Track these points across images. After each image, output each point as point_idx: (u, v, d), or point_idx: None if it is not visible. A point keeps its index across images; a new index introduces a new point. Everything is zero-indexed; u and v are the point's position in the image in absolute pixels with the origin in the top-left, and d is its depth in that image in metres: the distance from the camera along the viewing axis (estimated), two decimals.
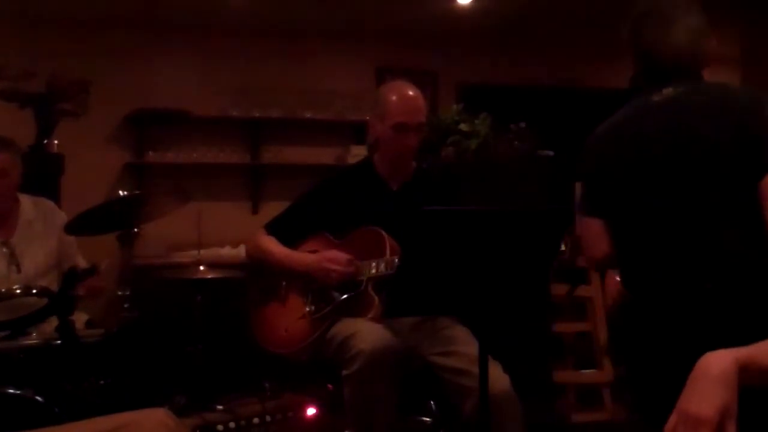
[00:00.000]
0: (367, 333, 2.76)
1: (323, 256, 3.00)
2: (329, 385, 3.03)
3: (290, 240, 3.14)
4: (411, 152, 3.10)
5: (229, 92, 6.31)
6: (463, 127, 5.22)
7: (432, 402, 3.05)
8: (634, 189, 2.35)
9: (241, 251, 5.80)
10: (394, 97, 3.05)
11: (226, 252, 5.89)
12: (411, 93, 3.07)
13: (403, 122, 3.02)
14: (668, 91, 2.33)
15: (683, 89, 2.32)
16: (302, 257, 3.07)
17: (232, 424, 3.34)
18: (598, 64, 7.19)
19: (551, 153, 5.31)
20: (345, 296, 2.96)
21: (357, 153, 6.39)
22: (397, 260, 2.88)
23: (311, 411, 3.40)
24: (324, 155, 6.52)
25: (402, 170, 3.17)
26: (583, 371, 5.31)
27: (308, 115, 6.43)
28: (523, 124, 5.26)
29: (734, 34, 5.88)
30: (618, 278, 3.32)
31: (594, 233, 2.52)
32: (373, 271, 2.94)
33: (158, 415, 1.88)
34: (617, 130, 2.44)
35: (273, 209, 6.08)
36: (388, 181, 3.17)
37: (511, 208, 2.73)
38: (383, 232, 2.98)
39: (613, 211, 2.44)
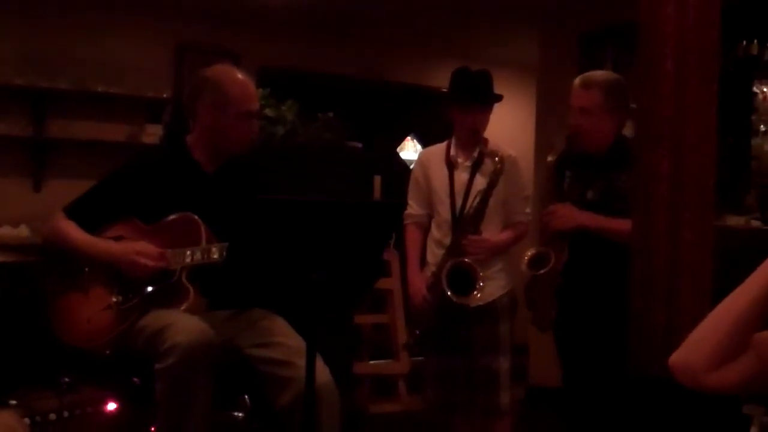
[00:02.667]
0: (182, 325, 2.63)
1: (132, 248, 2.81)
2: (135, 379, 2.86)
3: (93, 225, 2.90)
4: (253, 140, 3.03)
5: (13, 59, 5.81)
6: (268, 112, 5.14)
7: (246, 396, 2.96)
8: None
9: (21, 231, 5.42)
10: (234, 86, 2.94)
11: (5, 232, 5.45)
12: (246, 78, 3.00)
13: (249, 111, 2.96)
14: None
15: None
16: (108, 246, 2.86)
17: (26, 420, 3.08)
18: (404, 59, 7.32)
19: (359, 145, 5.35)
20: (157, 285, 2.80)
21: (152, 132, 6.13)
22: (214, 249, 2.77)
23: (112, 406, 3.22)
24: (116, 132, 6.15)
25: (221, 155, 3.03)
26: (380, 362, 5.40)
27: (100, 88, 6.05)
28: (331, 114, 5.26)
29: (531, 41, 6.15)
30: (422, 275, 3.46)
31: None
32: (188, 260, 2.80)
33: (5, 418, 1.74)
34: None
35: (58, 187, 5.84)
36: (202, 165, 3.02)
37: (350, 199, 2.73)
38: (199, 220, 2.85)
39: None
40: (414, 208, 3.59)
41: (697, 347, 1.50)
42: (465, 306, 3.31)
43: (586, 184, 3.23)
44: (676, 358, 1.53)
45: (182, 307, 2.76)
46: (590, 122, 3.17)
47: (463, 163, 3.45)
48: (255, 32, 6.59)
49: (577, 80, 3.26)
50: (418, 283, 3.50)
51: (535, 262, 3.21)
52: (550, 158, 3.29)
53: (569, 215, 3.16)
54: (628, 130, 3.32)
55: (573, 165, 3.30)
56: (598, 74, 3.30)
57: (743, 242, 4.05)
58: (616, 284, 2.89)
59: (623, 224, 3.00)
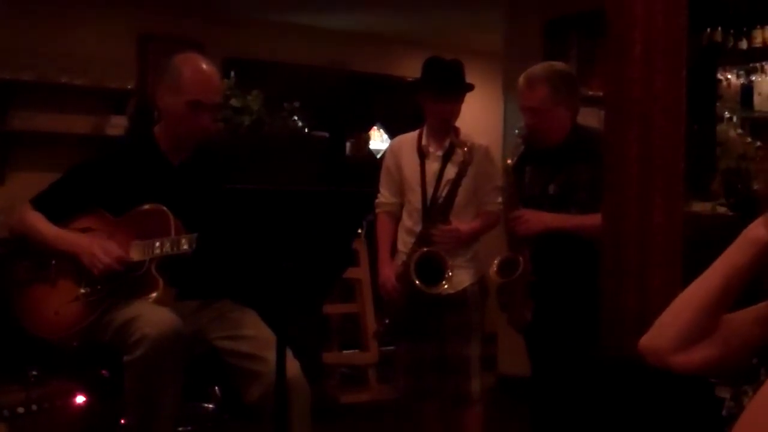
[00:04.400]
0: (151, 316, 2.61)
1: (96, 242, 2.77)
2: (103, 371, 2.83)
3: (60, 216, 2.86)
4: (204, 133, 2.91)
5: None
6: (234, 102, 5.12)
7: (217, 388, 2.94)
8: None
9: None
10: (189, 72, 2.84)
11: None
12: (209, 69, 2.89)
13: (199, 101, 2.83)
14: None
15: None
16: (74, 239, 2.82)
17: None
18: (370, 49, 7.30)
19: (326, 134, 5.34)
20: (125, 277, 2.76)
21: (116, 123, 6.06)
22: (184, 240, 2.74)
23: (81, 399, 3.19)
24: (80, 124, 6.07)
25: (186, 146, 2.99)
26: (350, 352, 5.40)
27: (63, 80, 5.96)
28: (297, 104, 5.24)
29: (497, 29, 6.16)
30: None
31: None
32: (158, 251, 2.77)
33: None
34: None
35: (23, 180, 5.75)
36: (170, 156, 2.98)
37: (318, 188, 2.70)
38: (167, 211, 2.81)
39: None
40: (385, 196, 3.58)
41: (665, 330, 1.54)
42: (436, 294, 3.31)
43: (546, 178, 3.25)
44: (645, 340, 1.57)
45: (151, 298, 2.73)
46: (542, 119, 3.19)
47: (435, 152, 3.45)
48: (220, 22, 6.54)
49: (520, 80, 3.26)
50: (388, 271, 3.50)
51: (504, 267, 3.24)
52: (509, 161, 3.28)
53: (534, 219, 3.18)
54: (591, 119, 3.34)
55: (532, 161, 3.31)
56: (539, 69, 3.28)
57: (709, 228, 4.09)
58: (586, 277, 2.91)
59: (587, 219, 3.06)
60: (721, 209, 4.59)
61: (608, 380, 2.65)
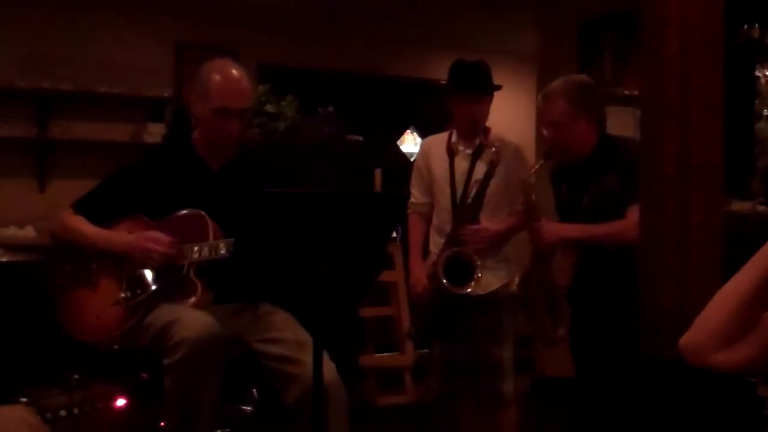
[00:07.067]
0: (190, 320, 2.63)
1: (144, 236, 2.82)
2: (143, 375, 2.86)
3: (101, 220, 2.90)
4: (232, 139, 2.93)
5: (16, 61, 5.82)
6: (269, 108, 5.16)
7: (254, 390, 2.96)
8: None
9: (28, 232, 5.44)
10: (217, 78, 2.86)
11: (12, 233, 5.46)
12: (236, 75, 2.90)
13: (225, 107, 2.85)
14: None
15: None
16: (120, 236, 2.86)
17: (39, 418, 3.07)
18: (403, 53, 7.32)
19: (360, 138, 5.36)
20: (164, 281, 2.80)
21: (154, 131, 6.15)
22: (222, 245, 2.77)
23: (121, 402, 3.23)
24: (118, 132, 6.17)
25: (223, 151, 3.02)
26: (385, 355, 5.40)
27: (102, 89, 6.06)
28: (330, 109, 5.27)
29: (530, 30, 6.14)
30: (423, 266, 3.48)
31: None
32: (196, 255, 2.80)
33: (20, 413, 1.76)
34: None
35: (62, 188, 5.84)
36: (208, 161, 3.01)
37: (352, 191, 2.72)
38: (206, 216, 2.84)
39: None
40: (417, 197, 3.59)
41: (704, 328, 1.52)
42: (464, 295, 3.31)
43: (580, 192, 3.24)
44: (684, 339, 1.55)
45: (190, 303, 2.76)
46: (562, 133, 3.19)
47: (464, 150, 3.44)
48: (254, 29, 6.59)
49: (539, 97, 3.28)
50: (419, 272, 3.51)
51: (525, 280, 3.27)
52: (525, 178, 3.22)
53: (550, 231, 3.19)
54: (627, 118, 3.32)
55: (566, 175, 3.32)
56: (557, 83, 3.27)
57: (749, 227, 4.05)
58: (622, 283, 2.91)
59: (607, 228, 3.08)
60: (761, 208, 4.54)
61: (649, 381, 2.63)
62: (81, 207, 2.94)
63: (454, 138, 3.50)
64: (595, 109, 3.23)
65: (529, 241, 3.26)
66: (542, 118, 3.26)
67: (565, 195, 3.34)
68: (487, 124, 3.48)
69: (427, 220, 3.61)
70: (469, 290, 3.29)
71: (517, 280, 3.29)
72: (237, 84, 2.90)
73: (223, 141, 2.94)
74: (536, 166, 3.28)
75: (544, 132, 3.28)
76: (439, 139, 3.57)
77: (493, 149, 3.30)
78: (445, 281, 3.30)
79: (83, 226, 2.88)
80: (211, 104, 2.85)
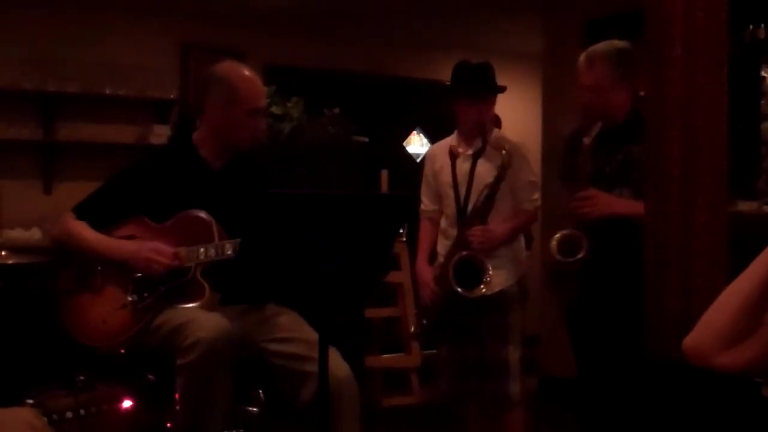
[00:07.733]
0: (203, 320, 2.65)
1: (145, 246, 2.82)
2: (150, 376, 2.87)
3: (103, 224, 2.90)
4: (259, 138, 3.08)
5: (21, 63, 5.83)
6: (275, 109, 5.17)
7: (261, 391, 2.96)
8: None
9: (34, 234, 5.45)
10: (244, 83, 2.95)
11: (18, 234, 5.47)
12: (254, 75, 3.03)
13: (257, 107, 2.98)
14: None
15: None
16: (121, 245, 2.86)
17: (44, 420, 3.08)
18: (408, 54, 7.32)
19: (366, 139, 5.36)
20: (171, 283, 2.80)
21: (160, 132, 6.15)
22: (228, 245, 2.78)
23: (127, 403, 3.24)
24: (124, 134, 6.19)
25: (228, 152, 3.03)
26: (391, 355, 5.40)
27: (108, 90, 6.07)
28: (336, 110, 5.27)
29: (535, 30, 6.14)
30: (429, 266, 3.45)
31: None
32: (202, 256, 2.81)
33: (24, 415, 1.76)
34: None
35: (68, 190, 5.85)
36: (210, 162, 3.02)
37: (358, 192, 2.72)
38: (210, 217, 2.85)
39: None
40: (426, 204, 3.63)
41: (707, 328, 1.51)
42: (475, 297, 3.31)
43: (604, 158, 3.12)
44: (688, 340, 1.54)
45: (197, 304, 2.77)
46: (601, 98, 3.09)
47: (465, 152, 3.45)
48: (260, 30, 6.59)
49: (581, 57, 3.15)
50: (426, 275, 3.52)
51: (566, 245, 3.07)
52: (585, 140, 3.06)
53: (603, 202, 3.01)
54: None
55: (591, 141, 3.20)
56: (600, 46, 3.16)
57: (755, 228, 4.04)
58: (636, 265, 2.82)
59: None
60: (767, 208, 4.52)
61: (653, 381, 2.62)
62: (82, 211, 2.93)
63: (454, 141, 3.51)
64: (635, 77, 3.12)
65: (572, 209, 3.06)
66: (582, 80, 3.14)
67: (586, 161, 3.12)
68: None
69: (437, 225, 3.63)
70: (481, 293, 3.29)
71: (555, 243, 3.06)
72: (259, 83, 3.03)
73: (250, 141, 3.01)
74: (595, 129, 3.06)
75: (580, 95, 3.16)
76: (443, 145, 3.59)
77: (504, 152, 3.28)
78: (459, 289, 3.28)
79: (85, 232, 2.87)
80: (243, 107, 2.92)
